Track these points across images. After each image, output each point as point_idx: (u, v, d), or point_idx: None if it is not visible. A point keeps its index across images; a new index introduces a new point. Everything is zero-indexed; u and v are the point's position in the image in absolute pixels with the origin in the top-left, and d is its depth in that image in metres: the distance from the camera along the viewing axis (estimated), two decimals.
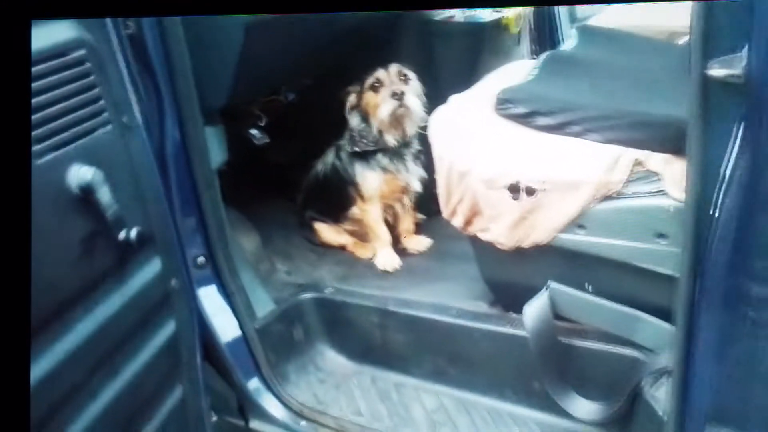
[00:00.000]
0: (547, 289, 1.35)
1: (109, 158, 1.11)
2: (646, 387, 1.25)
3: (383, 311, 1.66)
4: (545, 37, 2.31)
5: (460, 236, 1.94)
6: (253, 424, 1.60)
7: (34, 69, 0.96)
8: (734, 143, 0.91)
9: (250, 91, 1.60)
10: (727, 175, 0.93)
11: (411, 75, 1.77)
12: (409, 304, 1.66)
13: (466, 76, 1.92)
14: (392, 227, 1.92)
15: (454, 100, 1.53)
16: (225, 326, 1.56)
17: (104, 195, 1.06)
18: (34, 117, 0.96)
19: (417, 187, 1.85)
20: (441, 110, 1.51)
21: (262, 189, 2.18)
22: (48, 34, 1.03)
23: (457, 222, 1.45)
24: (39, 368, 0.90)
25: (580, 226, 1.29)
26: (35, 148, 0.96)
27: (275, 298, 1.68)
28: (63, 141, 1.02)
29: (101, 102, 1.13)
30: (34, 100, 0.96)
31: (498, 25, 2.09)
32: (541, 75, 1.45)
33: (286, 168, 2.09)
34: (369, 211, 1.84)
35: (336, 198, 1.90)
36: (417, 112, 1.74)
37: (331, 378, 1.67)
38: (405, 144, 1.80)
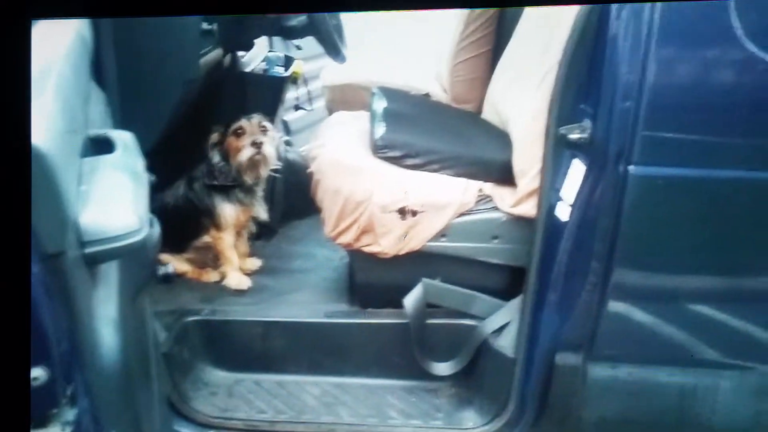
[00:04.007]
0: (420, 284, 1.83)
1: None
2: (492, 340, 1.81)
3: (257, 322, 1.92)
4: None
5: (278, 256, 2.32)
6: None
7: None
8: (570, 175, 1.55)
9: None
10: (563, 195, 1.56)
11: (269, 126, 2.05)
12: (280, 312, 1.96)
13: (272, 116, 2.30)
14: None
15: (325, 144, 1.92)
16: None
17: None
18: None
19: (264, 217, 2.15)
20: (323, 153, 1.88)
21: None
22: None
23: (345, 240, 1.81)
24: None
25: (443, 235, 1.81)
26: None
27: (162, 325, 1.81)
28: None
29: None
30: None
31: (288, 78, 2.50)
32: (392, 125, 1.92)
33: None
34: (223, 239, 2.07)
35: (185, 228, 2.07)
36: (271, 158, 2.04)
37: (221, 389, 1.86)
38: (257, 182, 2.09)
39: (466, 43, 2.46)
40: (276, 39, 2.64)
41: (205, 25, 1.65)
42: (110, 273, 0.75)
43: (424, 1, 0.99)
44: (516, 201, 1.76)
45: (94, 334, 0.67)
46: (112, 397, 0.69)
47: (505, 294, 1.85)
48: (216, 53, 1.85)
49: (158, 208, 2.04)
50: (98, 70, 1.30)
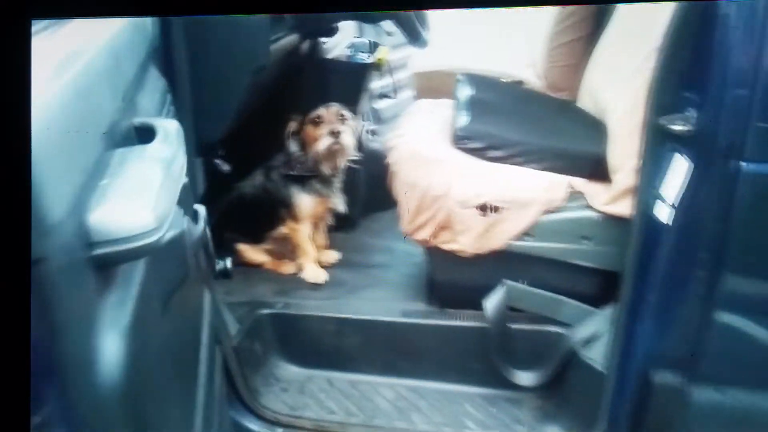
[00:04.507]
0: (502, 285, 1.71)
1: None
2: (580, 351, 1.66)
3: (332, 319, 1.86)
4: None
5: (357, 249, 2.25)
6: None
7: None
8: (671, 171, 1.37)
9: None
10: (663, 194, 1.38)
11: (348, 114, 1.99)
12: (356, 309, 1.89)
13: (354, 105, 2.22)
14: None
15: (404, 134, 1.83)
16: None
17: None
18: None
19: (342, 208, 2.09)
20: (401, 144, 1.79)
21: None
22: None
23: (421, 236, 1.72)
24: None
25: (528, 234, 1.67)
26: None
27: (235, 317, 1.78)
28: None
29: None
30: None
31: (373, 65, 2.41)
32: (475, 115, 1.80)
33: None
34: (300, 230, 2.03)
35: (263, 218, 2.04)
36: (349, 149, 1.98)
37: (292, 386, 1.82)
38: (335, 173, 2.03)
39: (562, 27, 2.29)
40: (366, 25, 2.57)
41: None
42: (130, 274, 0.69)
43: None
44: (610, 198, 1.60)
45: (90, 346, 0.61)
46: (113, 411, 0.63)
47: (596, 300, 1.70)
48: (290, 39, 1.79)
49: (235, 198, 2.07)
50: (164, 58, 1.26)
